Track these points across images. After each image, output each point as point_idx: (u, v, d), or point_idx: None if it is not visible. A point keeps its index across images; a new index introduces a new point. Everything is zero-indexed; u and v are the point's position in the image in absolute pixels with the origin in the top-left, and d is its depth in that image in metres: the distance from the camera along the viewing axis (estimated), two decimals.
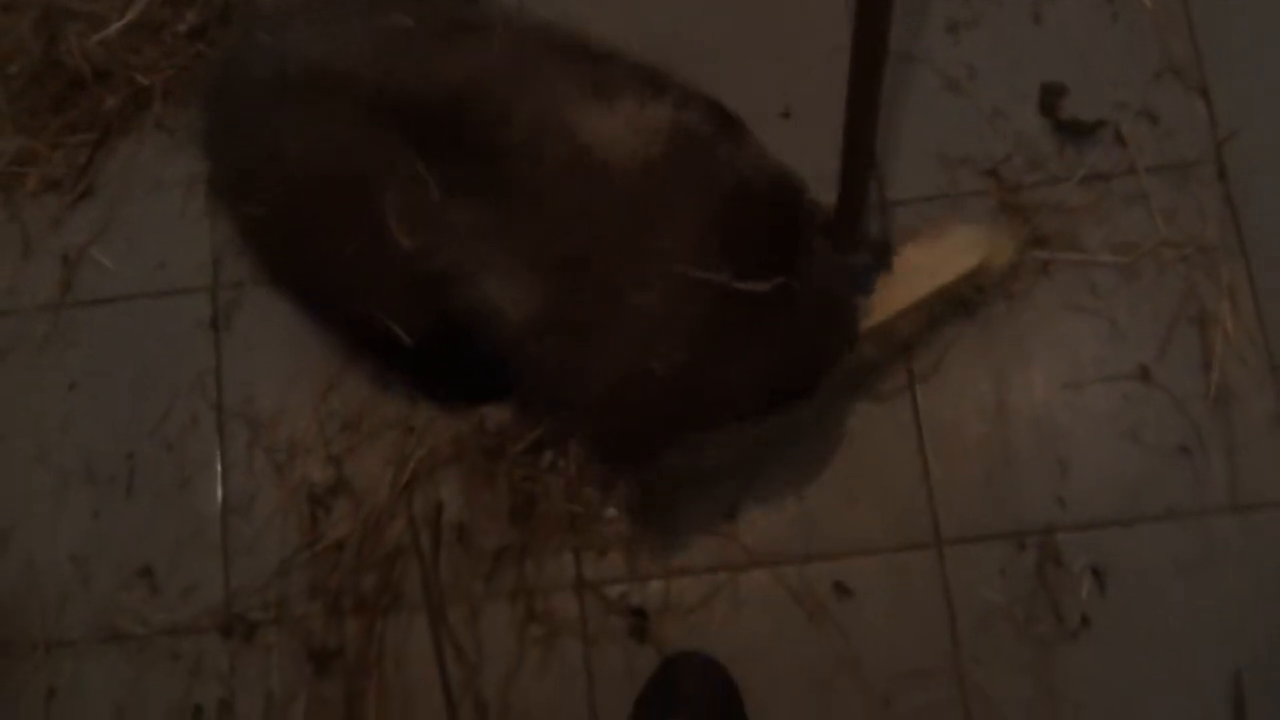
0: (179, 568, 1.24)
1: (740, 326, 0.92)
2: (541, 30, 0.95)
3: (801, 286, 0.93)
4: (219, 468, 1.26)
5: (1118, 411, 1.21)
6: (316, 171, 0.93)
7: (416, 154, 0.87)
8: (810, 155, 1.03)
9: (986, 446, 1.21)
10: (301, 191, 0.94)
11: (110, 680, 1.21)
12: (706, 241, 0.88)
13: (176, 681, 1.21)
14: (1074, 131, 1.26)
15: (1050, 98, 1.25)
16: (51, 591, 1.24)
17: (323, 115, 0.91)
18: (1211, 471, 1.18)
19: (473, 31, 0.92)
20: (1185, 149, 1.26)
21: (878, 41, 0.77)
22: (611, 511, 1.21)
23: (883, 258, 1.14)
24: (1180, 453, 1.19)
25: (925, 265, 1.16)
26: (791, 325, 0.95)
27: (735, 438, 1.06)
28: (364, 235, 0.92)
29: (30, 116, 1.35)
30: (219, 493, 1.25)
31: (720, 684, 1.11)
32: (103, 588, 1.24)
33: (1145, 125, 1.27)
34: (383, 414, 1.25)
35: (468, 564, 1.21)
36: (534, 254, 0.88)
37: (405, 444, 1.24)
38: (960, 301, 1.21)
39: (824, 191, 1.05)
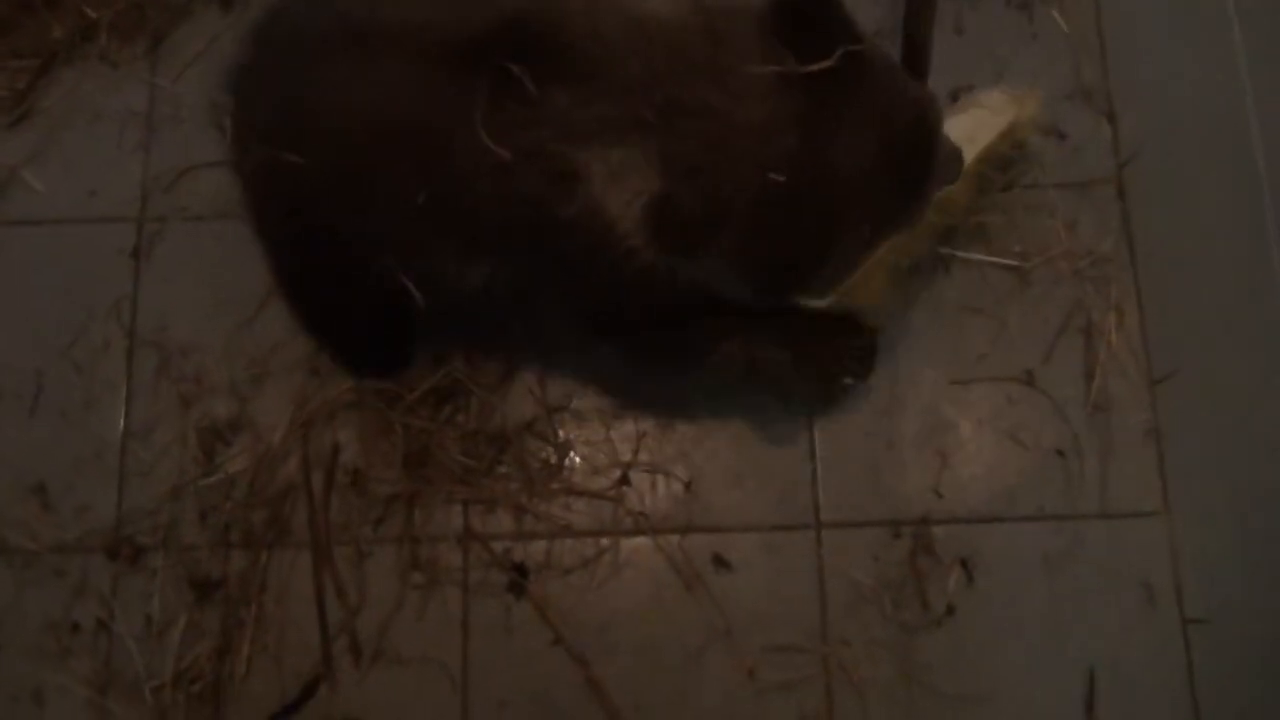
0: (73, 487, 1.25)
1: (828, 109, 0.91)
2: None
3: (870, 61, 0.93)
4: (124, 392, 1.28)
5: (1000, 411, 1.24)
6: (383, 122, 0.94)
7: (498, 70, 0.88)
8: None
9: (873, 434, 1.24)
10: (361, 142, 0.95)
11: None
12: (767, 47, 0.90)
13: (58, 598, 1.22)
14: None
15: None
16: None
17: (388, 70, 0.93)
18: (1084, 476, 1.22)
19: None
20: (1089, 167, 1.31)
21: None
22: (503, 468, 1.24)
23: None
24: (1056, 456, 1.23)
25: (964, 135, 1.17)
26: (878, 98, 0.95)
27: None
28: (440, 181, 0.93)
29: None
30: (121, 417, 1.27)
31: None
32: None
33: (1054, 141, 1.32)
34: (290, 355, 1.28)
35: (359, 508, 1.24)
36: (626, 118, 0.88)
37: (308, 386, 1.26)
38: (1003, 162, 1.24)
39: None
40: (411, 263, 1.00)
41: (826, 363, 1.13)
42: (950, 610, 1.19)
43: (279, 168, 0.98)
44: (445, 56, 0.89)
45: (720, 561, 1.22)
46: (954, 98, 1.30)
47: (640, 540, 1.22)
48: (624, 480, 1.24)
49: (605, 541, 1.22)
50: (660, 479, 1.24)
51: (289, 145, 0.96)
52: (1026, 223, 1.29)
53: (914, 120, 0.97)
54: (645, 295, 0.96)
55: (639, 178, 0.89)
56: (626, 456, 1.25)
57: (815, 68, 0.88)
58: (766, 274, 0.94)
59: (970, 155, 1.15)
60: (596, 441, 1.25)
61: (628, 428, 1.25)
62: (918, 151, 0.98)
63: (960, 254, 1.28)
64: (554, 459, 1.25)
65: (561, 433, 1.25)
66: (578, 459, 1.25)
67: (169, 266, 1.32)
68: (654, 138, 0.88)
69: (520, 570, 1.21)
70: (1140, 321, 1.26)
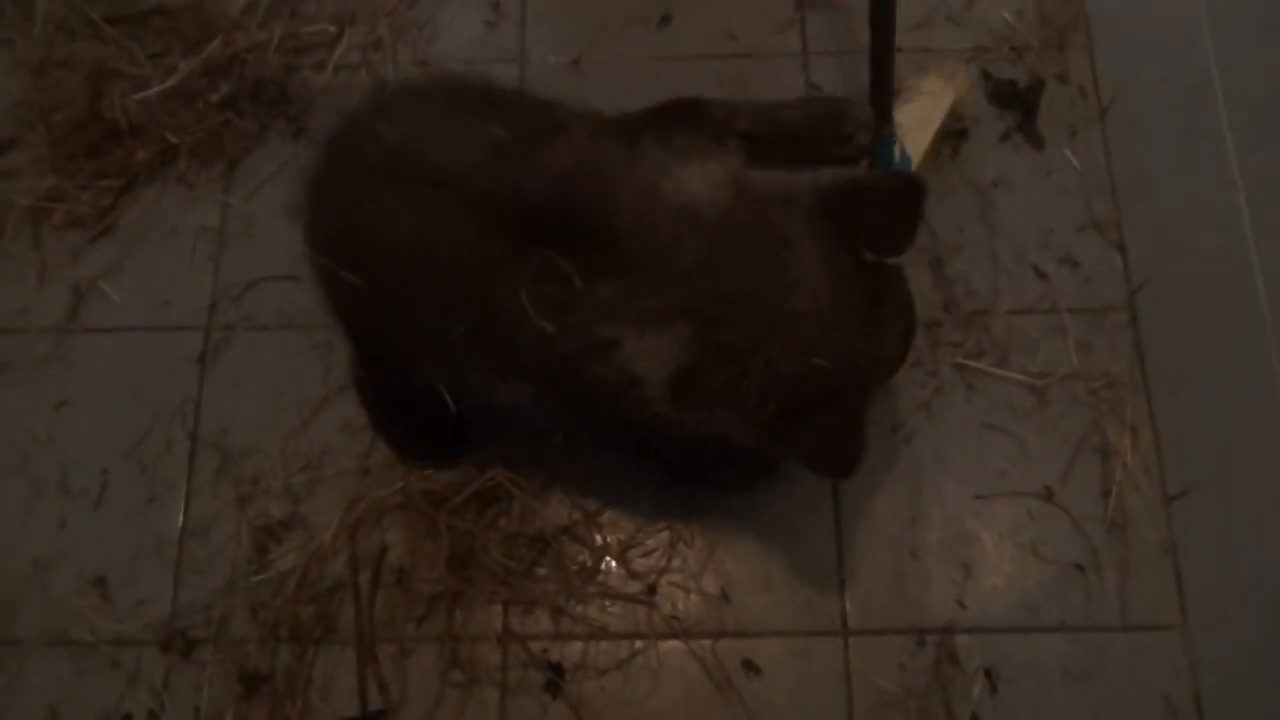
0: (132, 581, 1.31)
1: (875, 301, 0.99)
2: (596, 115, 1.07)
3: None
4: (184, 491, 1.35)
5: (1021, 526, 1.29)
6: (426, 255, 1.01)
7: (540, 248, 0.95)
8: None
9: (898, 546, 1.29)
10: (406, 271, 1.02)
11: (49, 681, 1.28)
12: (817, 231, 0.97)
13: (112, 689, 1.27)
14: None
15: None
16: (8, 591, 1.31)
17: (433, 210, 1.00)
18: (1104, 590, 1.26)
19: (556, 132, 1.03)
20: (1102, 294, 1.38)
21: None
22: (543, 570, 1.29)
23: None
24: (1076, 570, 1.27)
25: (918, 120, 1.38)
26: (901, 288, 1.04)
27: None
28: (477, 318, 1.00)
29: (67, 160, 1.49)
30: (180, 515, 1.34)
31: None
32: (58, 593, 1.31)
33: (1069, 270, 1.40)
34: (343, 458, 1.35)
35: (404, 606, 1.29)
36: (671, 307, 0.95)
37: (358, 487, 1.33)
38: (946, 134, 1.43)
39: None
40: (448, 374, 1.08)
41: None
42: (975, 719, 1.22)
43: (336, 278, 1.06)
44: (493, 209, 0.97)
45: (751, 666, 1.25)
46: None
47: (673, 644, 1.27)
48: (658, 585, 1.29)
49: (640, 644, 1.27)
50: (693, 584, 1.29)
51: (347, 261, 1.04)
52: (1042, 346, 1.36)
53: (911, 302, 1.07)
54: (651, 433, 1.02)
55: (671, 353, 0.95)
56: (661, 562, 1.30)
57: (887, 260, 0.98)
58: (823, 459, 1.03)
59: (928, 137, 1.37)
60: (632, 547, 1.30)
61: (662, 534, 1.31)
62: (912, 333, 1.08)
63: (980, 367, 1.34)
64: (591, 563, 1.30)
65: (599, 537, 1.31)
66: (614, 563, 1.30)
67: (232, 373, 1.40)
68: (694, 322, 0.94)
69: (557, 670, 1.26)
70: (1154, 441, 1.32)
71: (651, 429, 1.01)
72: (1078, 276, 1.39)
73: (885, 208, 0.99)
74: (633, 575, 1.29)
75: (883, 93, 1.31)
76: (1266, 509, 1.14)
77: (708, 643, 1.26)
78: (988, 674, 1.24)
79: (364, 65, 1.55)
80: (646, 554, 1.30)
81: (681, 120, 1.04)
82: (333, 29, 1.57)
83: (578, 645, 1.27)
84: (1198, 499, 1.26)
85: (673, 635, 1.27)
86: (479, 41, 1.57)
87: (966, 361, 1.36)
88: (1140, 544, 1.28)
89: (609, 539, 1.31)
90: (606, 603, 1.28)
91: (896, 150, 1.32)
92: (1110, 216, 1.42)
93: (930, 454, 1.32)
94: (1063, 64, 1.49)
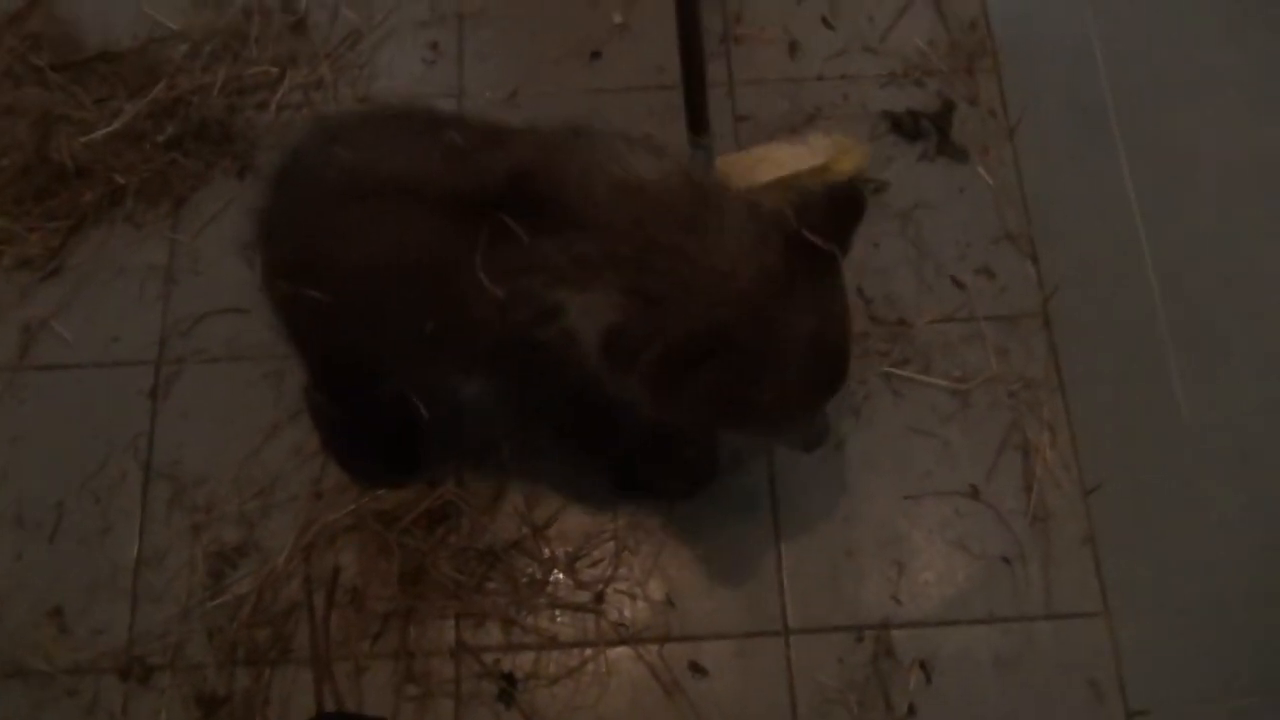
0: (89, 611, 1.33)
1: (793, 285, 0.99)
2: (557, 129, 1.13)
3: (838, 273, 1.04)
4: (139, 521, 1.37)
5: (949, 523, 1.36)
6: (396, 262, 1.05)
7: (497, 221, 0.99)
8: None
9: (833, 546, 1.35)
10: (375, 281, 1.06)
11: (7, 713, 1.29)
12: (756, 217, 1.01)
13: (70, 718, 1.29)
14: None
15: None
16: None
17: (398, 217, 1.04)
18: (1029, 581, 1.33)
19: (508, 136, 1.08)
20: (1017, 301, 1.46)
21: None
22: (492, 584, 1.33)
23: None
24: (1002, 563, 1.34)
25: (783, 158, 1.48)
26: (832, 299, 1.04)
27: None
28: (445, 311, 1.04)
29: (14, 203, 1.53)
30: (135, 544, 1.36)
31: None
32: (14, 624, 1.33)
33: (985, 280, 1.47)
34: (295, 483, 1.39)
35: (358, 624, 1.32)
36: (604, 255, 0.98)
37: (311, 511, 1.37)
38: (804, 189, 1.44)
39: None
40: (418, 378, 1.12)
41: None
42: (912, 710, 1.28)
43: (301, 300, 1.09)
44: (454, 205, 1.02)
45: (697, 668, 1.30)
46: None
47: (622, 650, 1.31)
48: (605, 594, 1.33)
49: (589, 651, 1.31)
50: (639, 591, 1.33)
51: (311, 281, 1.08)
52: (963, 352, 1.44)
53: (842, 332, 1.06)
54: (589, 398, 1.06)
55: (605, 312, 0.99)
56: (607, 571, 1.34)
57: (810, 237, 0.99)
58: (678, 400, 1.01)
59: (771, 174, 1.46)
60: (579, 558, 1.35)
61: (608, 545, 1.36)
62: (837, 357, 1.06)
63: (905, 374, 1.41)
64: (540, 575, 1.34)
65: (546, 550, 1.35)
66: (561, 575, 1.34)
67: (184, 404, 1.44)
68: (625, 274, 0.99)
69: (509, 680, 1.29)
70: (1071, 438, 1.39)
71: (592, 400, 1.05)
72: (994, 286, 1.47)
73: (827, 205, 1.02)
74: (580, 585, 1.34)
75: (695, 107, 1.43)
76: (1174, 498, 1.21)
77: (654, 647, 1.31)
78: (923, 665, 1.29)
79: (306, 104, 1.60)
80: (593, 564, 1.35)
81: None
82: (275, 70, 1.62)
83: (529, 655, 1.31)
84: (1113, 491, 1.33)
85: (621, 641, 1.31)
86: (419, 79, 1.63)
87: (892, 370, 1.43)
88: (1061, 536, 1.35)
89: (557, 551, 1.35)
90: (556, 613, 1.33)
91: (705, 160, 1.44)
92: (1022, 229, 1.50)
93: (861, 458, 1.39)
94: (972, 87, 1.58)
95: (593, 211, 1.00)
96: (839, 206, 1.02)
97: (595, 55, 1.63)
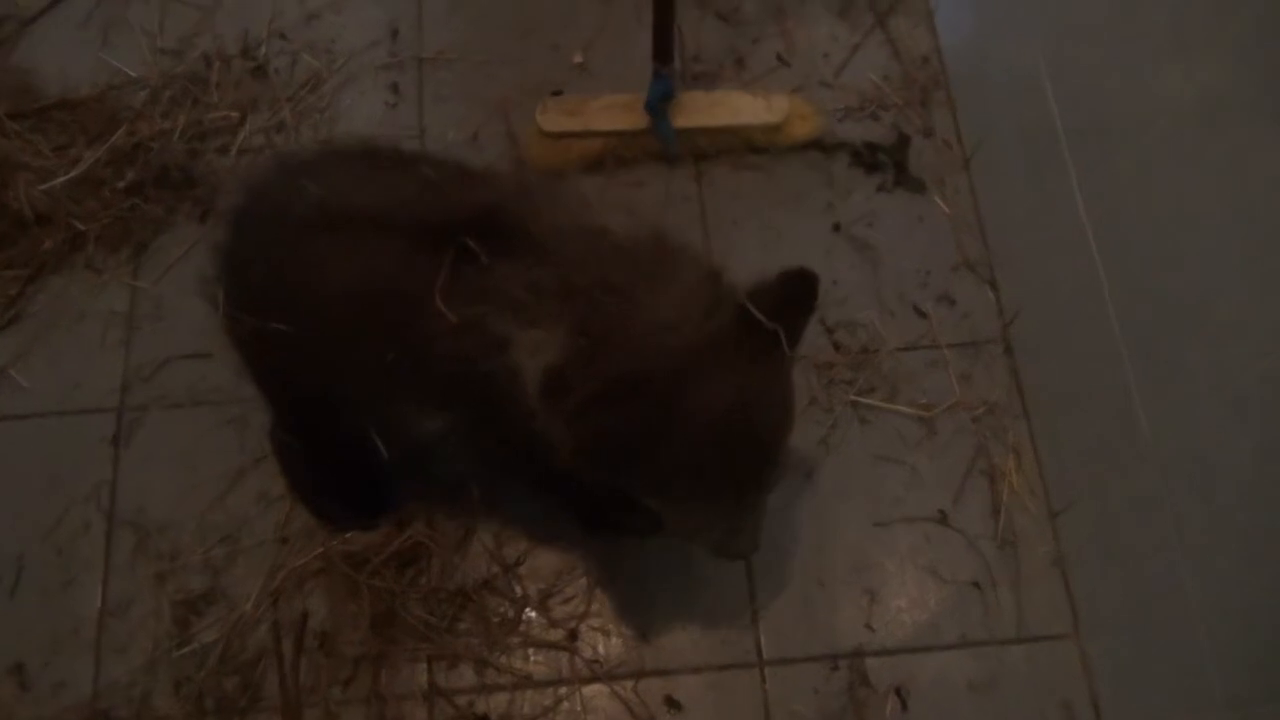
0: (51, 665, 1.31)
1: (738, 357, 0.98)
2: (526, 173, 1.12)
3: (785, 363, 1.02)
4: (102, 571, 1.35)
5: (919, 549, 1.37)
6: (362, 292, 1.04)
7: (461, 245, 0.99)
8: None
9: (805, 576, 1.35)
10: (342, 310, 1.05)
11: None
12: (722, 291, 1.00)
13: None
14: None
15: None
16: None
17: (368, 248, 1.04)
18: (1000, 605, 1.34)
19: (483, 175, 1.10)
20: (979, 328, 1.48)
21: None
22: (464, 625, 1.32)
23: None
24: (973, 587, 1.35)
25: (741, 106, 1.58)
26: (770, 386, 1.02)
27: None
28: (406, 342, 1.03)
29: None
30: (99, 595, 1.34)
31: None
32: None
33: (946, 307, 1.49)
34: (260, 527, 1.37)
35: (328, 670, 1.30)
36: (558, 290, 0.98)
37: (278, 556, 1.35)
38: (751, 145, 1.59)
39: None
40: (378, 413, 1.12)
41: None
42: None
43: (266, 334, 1.08)
44: (423, 234, 1.02)
45: (672, 703, 1.29)
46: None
47: (596, 686, 1.30)
48: (578, 631, 1.32)
49: (564, 690, 1.30)
50: (612, 627, 1.33)
51: (276, 313, 1.07)
52: (927, 379, 1.45)
53: (770, 422, 1.03)
54: (538, 453, 1.03)
55: (546, 350, 0.99)
56: (580, 608, 1.34)
57: (756, 315, 0.97)
58: (592, 448, 0.98)
59: (722, 120, 1.57)
60: (551, 595, 1.34)
61: (580, 581, 1.35)
62: (757, 446, 1.02)
63: (871, 402, 1.43)
64: (512, 614, 1.33)
65: (518, 588, 1.34)
66: (534, 613, 1.33)
67: (147, 451, 1.42)
68: (575, 310, 0.98)
69: None
70: (1036, 461, 1.41)
71: (535, 440, 1.03)
72: (955, 313, 1.49)
73: (779, 289, 1.00)
74: (553, 623, 1.33)
75: (663, 39, 1.48)
76: (1141, 516, 1.22)
77: (629, 683, 1.30)
78: (898, 692, 1.30)
79: (268, 148, 1.60)
80: (566, 601, 1.34)
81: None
82: (235, 115, 1.62)
83: (503, 696, 1.30)
84: (1080, 513, 1.35)
85: (595, 679, 1.30)
86: (380, 121, 1.64)
87: (858, 399, 1.44)
88: (1031, 558, 1.36)
89: (528, 589, 1.34)
90: (529, 651, 1.32)
91: (670, 85, 1.52)
92: (981, 256, 1.52)
93: (830, 486, 1.40)
94: (927, 120, 1.62)
95: (555, 245, 1.00)
96: (791, 292, 1.01)
97: (556, 95, 1.64)
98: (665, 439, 0.97)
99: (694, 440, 0.97)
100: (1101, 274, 1.22)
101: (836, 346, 1.47)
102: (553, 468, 1.01)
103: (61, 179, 1.53)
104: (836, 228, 1.54)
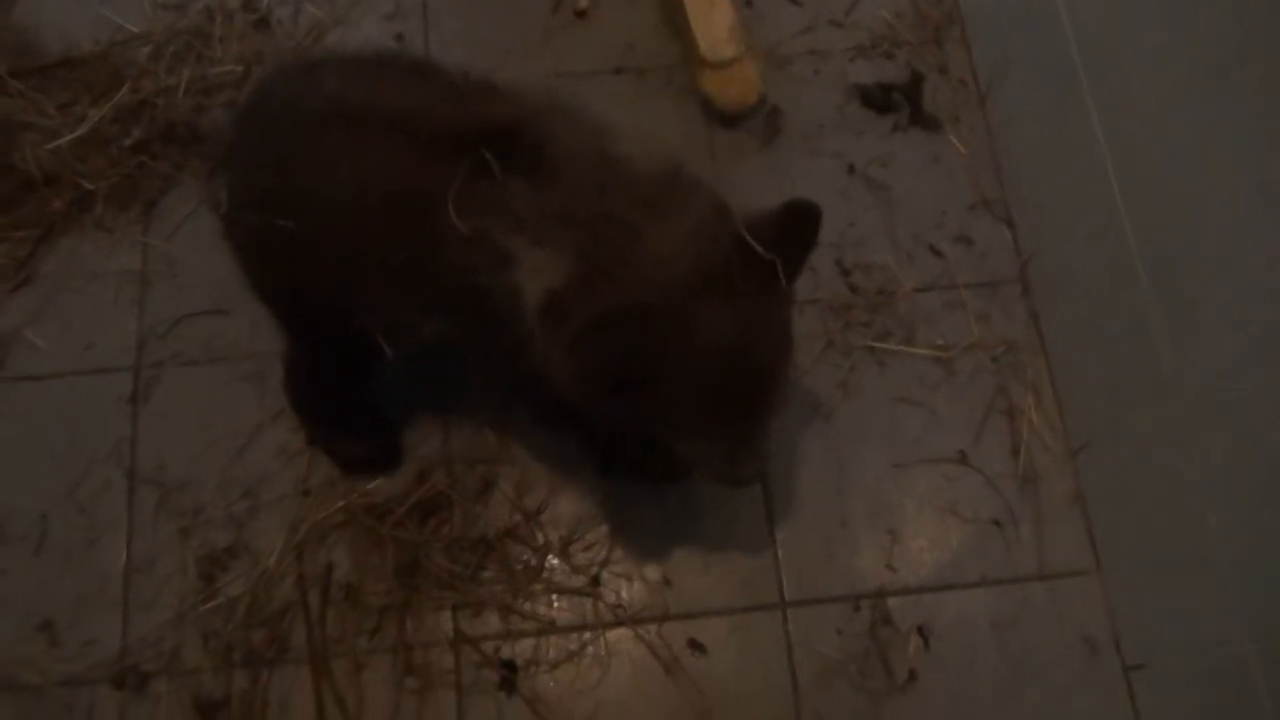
0: (79, 623, 1.32)
1: (739, 289, 0.98)
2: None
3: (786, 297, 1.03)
4: (126, 529, 1.36)
5: (939, 489, 1.37)
6: (375, 192, 1.03)
7: (478, 157, 0.98)
8: None
9: (826, 518, 1.36)
10: (350, 209, 1.04)
11: None
12: (720, 218, 1.00)
13: None
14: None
15: None
16: None
17: (385, 146, 1.02)
18: (1021, 543, 1.34)
19: (508, 92, 1.08)
20: (996, 267, 1.47)
21: None
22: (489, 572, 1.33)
23: None
24: (994, 526, 1.35)
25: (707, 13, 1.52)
26: (773, 321, 1.02)
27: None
28: (418, 246, 1.02)
29: None
30: (124, 552, 1.35)
31: None
32: (3, 640, 1.31)
33: (963, 247, 1.48)
34: (282, 481, 1.37)
35: (354, 620, 1.31)
36: (565, 214, 0.97)
37: (300, 508, 1.35)
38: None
39: None
40: (379, 312, 1.11)
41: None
42: (912, 676, 1.28)
43: (270, 234, 1.07)
44: (443, 141, 1.00)
45: (696, 645, 1.30)
46: None
47: (620, 631, 1.31)
48: (600, 577, 1.33)
49: (588, 635, 1.31)
50: (634, 572, 1.33)
51: (283, 209, 1.06)
52: (945, 320, 1.45)
53: (768, 353, 1.03)
54: (537, 379, 1.04)
55: (550, 275, 0.99)
56: (602, 554, 1.34)
57: (752, 242, 0.98)
58: (590, 379, 0.98)
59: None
60: (573, 542, 1.35)
61: (601, 528, 1.35)
62: (757, 377, 1.02)
63: (889, 347, 1.42)
64: (535, 561, 1.34)
65: (540, 536, 1.35)
66: (556, 560, 1.34)
67: (165, 408, 1.42)
68: (579, 236, 0.98)
69: (510, 668, 1.29)
70: (1055, 399, 1.40)
71: (531, 362, 1.03)
72: (972, 253, 1.48)
73: (780, 219, 1.01)
74: (576, 569, 1.34)
75: None
76: (1161, 452, 1.22)
77: (653, 627, 1.31)
78: (921, 631, 1.30)
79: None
80: (587, 548, 1.35)
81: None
82: (240, 69, 1.60)
83: (528, 642, 1.31)
84: (1099, 450, 1.35)
85: (619, 623, 1.31)
86: None
87: (876, 343, 1.44)
88: (1051, 497, 1.36)
89: (550, 537, 1.35)
90: (553, 598, 1.32)
91: None
92: (997, 195, 1.51)
93: (849, 430, 1.39)
94: (941, 58, 1.59)
95: (568, 169, 1.00)
96: (791, 223, 1.01)
97: (562, 40, 1.62)
98: (662, 369, 0.97)
99: (691, 370, 0.98)
100: (1122, 210, 1.21)
101: (853, 289, 1.47)
102: (554, 397, 1.01)
103: (67, 138, 1.52)
104: (851, 169, 1.53)
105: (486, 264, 1.00)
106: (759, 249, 0.98)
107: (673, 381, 0.98)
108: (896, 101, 1.57)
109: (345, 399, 1.34)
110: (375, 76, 1.09)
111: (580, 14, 1.67)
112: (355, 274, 1.09)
